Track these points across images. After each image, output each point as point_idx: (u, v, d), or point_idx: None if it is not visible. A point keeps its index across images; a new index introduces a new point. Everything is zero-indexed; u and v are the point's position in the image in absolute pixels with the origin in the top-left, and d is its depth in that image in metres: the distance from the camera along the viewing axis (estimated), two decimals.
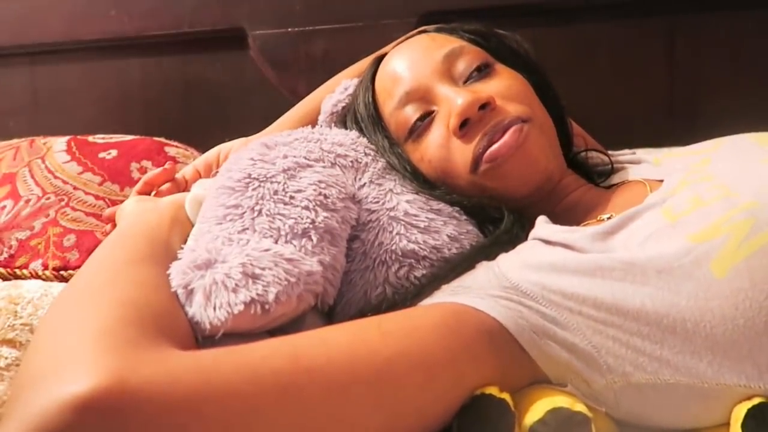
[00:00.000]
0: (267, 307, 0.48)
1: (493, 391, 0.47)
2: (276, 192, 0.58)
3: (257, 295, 0.48)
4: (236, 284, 0.48)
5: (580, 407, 0.47)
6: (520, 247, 0.59)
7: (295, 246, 0.54)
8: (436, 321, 0.49)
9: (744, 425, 0.45)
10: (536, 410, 0.47)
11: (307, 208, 0.57)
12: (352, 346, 0.45)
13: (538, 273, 0.53)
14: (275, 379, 0.41)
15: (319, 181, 0.60)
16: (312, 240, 0.55)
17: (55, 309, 0.47)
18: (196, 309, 0.48)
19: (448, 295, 0.55)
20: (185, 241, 0.59)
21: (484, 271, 0.57)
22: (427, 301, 0.55)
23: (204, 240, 0.55)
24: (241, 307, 0.47)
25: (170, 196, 0.70)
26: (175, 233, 0.61)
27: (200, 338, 0.48)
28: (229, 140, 0.81)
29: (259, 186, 0.58)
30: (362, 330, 0.47)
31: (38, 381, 0.37)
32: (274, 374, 0.41)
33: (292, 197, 0.58)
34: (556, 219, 0.63)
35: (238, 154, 0.64)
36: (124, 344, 0.40)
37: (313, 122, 0.80)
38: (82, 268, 0.52)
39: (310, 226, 0.56)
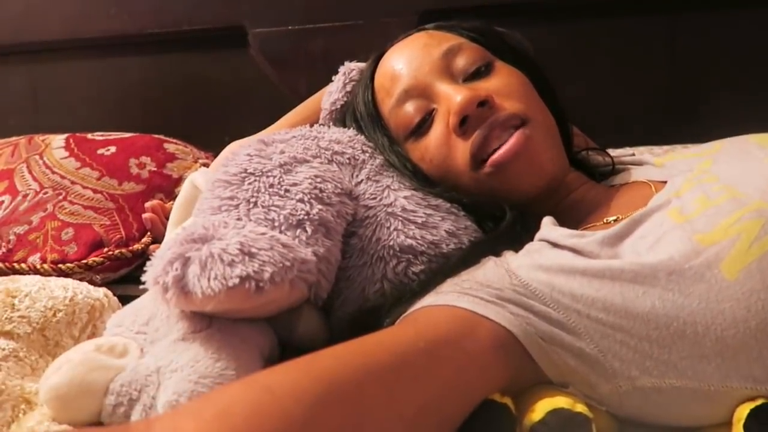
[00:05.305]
0: (262, 284, 0.47)
1: (494, 396, 0.47)
2: (272, 185, 0.58)
3: (253, 271, 0.47)
4: (233, 259, 0.47)
5: (580, 407, 0.47)
6: (528, 248, 0.58)
7: (289, 236, 0.54)
8: (448, 340, 0.48)
9: (746, 425, 0.45)
10: (537, 411, 0.47)
11: (302, 200, 0.57)
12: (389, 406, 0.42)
13: (547, 274, 0.52)
14: None
15: (315, 176, 0.59)
16: (306, 231, 0.55)
17: None
18: (190, 278, 0.46)
19: (458, 293, 0.53)
20: None
21: (493, 266, 0.56)
22: (434, 296, 0.54)
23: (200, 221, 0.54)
24: (237, 281, 0.46)
25: None
26: None
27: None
28: (230, 139, 0.81)
29: (255, 180, 0.58)
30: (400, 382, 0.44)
31: None
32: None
33: (287, 190, 0.57)
34: (559, 216, 0.62)
35: (235, 151, 0.64)
36: None
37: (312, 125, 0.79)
38: None
39: (305, 217, 0.56)
